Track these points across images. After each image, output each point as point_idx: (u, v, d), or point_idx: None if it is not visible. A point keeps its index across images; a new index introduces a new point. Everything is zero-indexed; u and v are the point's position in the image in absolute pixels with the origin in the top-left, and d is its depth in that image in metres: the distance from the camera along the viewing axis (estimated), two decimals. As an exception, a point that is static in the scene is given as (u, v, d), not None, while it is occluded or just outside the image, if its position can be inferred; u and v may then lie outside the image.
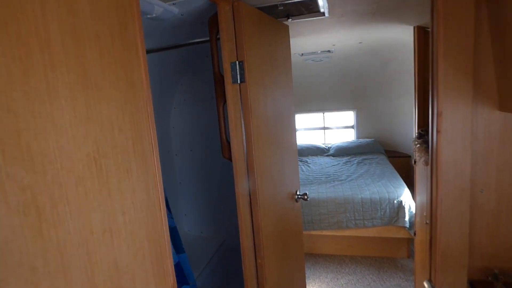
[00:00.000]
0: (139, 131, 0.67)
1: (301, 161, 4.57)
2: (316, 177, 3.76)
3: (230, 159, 1.40)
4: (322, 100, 5.16)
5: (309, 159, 4.64)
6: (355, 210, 3.07)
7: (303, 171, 4.10)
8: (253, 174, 1.38)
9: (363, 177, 3.60)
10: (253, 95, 1.36)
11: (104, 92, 0.58)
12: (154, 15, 1.34)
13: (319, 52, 3.79)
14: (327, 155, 4.83)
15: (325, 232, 3.16)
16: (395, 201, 3.01)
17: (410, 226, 2.94)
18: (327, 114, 5.30)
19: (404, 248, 3.22)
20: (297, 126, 5.41)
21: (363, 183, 3.39)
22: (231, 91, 1.32)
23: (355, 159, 4.39)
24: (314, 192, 3.25)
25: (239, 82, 1.32)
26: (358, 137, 5.15)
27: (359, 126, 5.14)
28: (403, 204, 2.98)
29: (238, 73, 1.31)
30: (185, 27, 1.78)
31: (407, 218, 2.95)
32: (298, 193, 1.92)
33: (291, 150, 1.88)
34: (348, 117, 5.23)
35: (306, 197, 1.87)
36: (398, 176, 3.57)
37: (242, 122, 1.35)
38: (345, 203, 3.08)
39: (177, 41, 1.85)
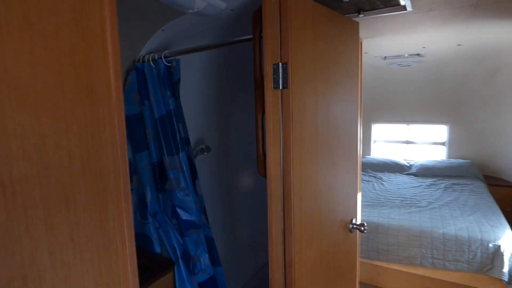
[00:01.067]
0: (95, 148, 0.53)
1: (374, 177, 4.10)
2: (389, 199, 3.31)
3: (266, 176, 1.21)
4: (408, 110, 4.57)
5: (385, 176, 4.14)
6: (434, 246, 2.58)
7: (374, 189, 3.66)
8: (290, 198, 1.16)
9: (450, 207, 3.03)
10: (297, 104, 1.15)
11: (31, 96, 0.45)
12: (196, 10, 1.23)
13: (406, 55, 3.32)
14: (407, 174, 4.26)
15: (392, 266, 2.73)
16: (490, 245, 2.43)
17: (510, 279, 2.34)
18: (412, 126, 4.68)
19: (497, 303, 2.59)
20: (374, 137, 4.92)
21: (448, 215, 2.84)
22: (270, 97, 1.13)
23: (442, 183, 3.75)
24: (383, 216, 2.84)
25: (281, 87, 1.12)
26: (450, 156, 4.43)
27: (453, 143, 4.41)
28: (502, 251, 2.39)
29: (280, 77, 1.11)
30: (240, 23, 1.64)
31: (506, 269, 2.36)
32: (354, 221, 1.63)
33: (349, 170, 1.60)
34: (439, 132, 4.53)
35: (363, 228, 1.57)
36: (499, 211, 2.91)
37: (281, 134, 1.15)
38: (421, 236, 2.61)
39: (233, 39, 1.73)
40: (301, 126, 1.18)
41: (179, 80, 1.52)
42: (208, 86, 2.29)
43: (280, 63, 1.11)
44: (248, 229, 2.79)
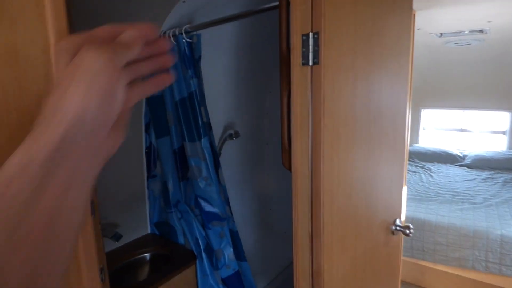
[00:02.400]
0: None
1: (422, 167, 3.71)
2: (439, 193, 2.94)
3: (290, 169, 1.01)
4: (464, 95, 4.04)
5: (434, 167, 3.73)
6: (489, 249, 2.23)
7: (422, 181, 3.29)
8: (319, 197, 0.96)
9: (509, 204, 2.61)
10: (331, 83, 0.92)
11: None
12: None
13: (466, 32, 2.87)
14: (460, 165, 3.80)
15: (439, 267, 2.43)
16: (560, 251, 2.05)
17: None
18: (468, 112, 4.15)
19: None
20: (424, 124, 4.45)
21: (507, 213, 2.45)
22: (298, 75, 0.92)
23: (500, 177, 3.28)
24: (431, 213, 2.52)
25: (310, 63, 0.90)
26: (511, 147, 3.87)
27: (515, 132, 3.85)
28: None
29: (310, 50, 0.89)
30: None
31: None
32: (397, 223, 1.38)
33: (394, 163, 1.35)
34: (500, 119, 3.97)
35: (408, 231, 1.32)
36: None
37: (310, 121, 0.94)
38: (475, 237, 2.27)
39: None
40: (335, 111, 0.96)
41: (200, 57, 1.35)
42: (237, 64, 2.10)
43: (310, 33, 0.89)
44: (280, 219, 2.62)
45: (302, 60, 0.91)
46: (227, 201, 1.57)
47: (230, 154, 2.18)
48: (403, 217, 1.78)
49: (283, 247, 2.49)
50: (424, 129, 4.48)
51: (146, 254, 1.65)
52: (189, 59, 1.32)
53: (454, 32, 2.88)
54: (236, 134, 1.98)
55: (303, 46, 0.90)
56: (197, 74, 1.37)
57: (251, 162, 2.41)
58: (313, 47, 0.89)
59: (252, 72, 2.24)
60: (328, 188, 0.97)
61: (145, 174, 1.71)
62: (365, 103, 1.09)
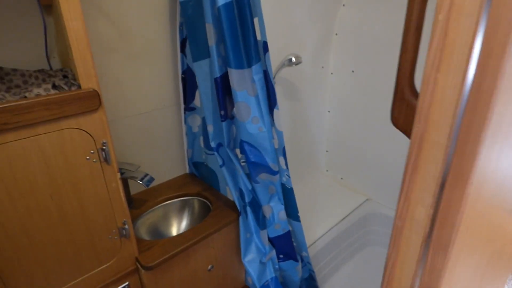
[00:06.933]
0: None
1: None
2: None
3: (406, 131, 0.54)
4: None
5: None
6: None
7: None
8: (463, 179, 0.49)
9: None
10: None
11: None
12: None
13: None
14: None
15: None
16: None
17: None
18: None
19: None
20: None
21: None
22: None
23: None
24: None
25: None
26: None
27: None
28: None
29: None
30: None
31: None
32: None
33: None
34: None
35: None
36: None
37: (480, 37, 0.42)
38: None
39: None
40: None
41: None
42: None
43: None
44: (336, 163, 2.20)
45: None
46: (282, 151, 1.15)
47: (285, 85, 1.70)
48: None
49: (340, 195, 2.12)
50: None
51: (183, 199, 1.37)
52: None
53: None
54: (298, 59, 1.47)
55: None
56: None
57: (310, 94, 1.92)
58: None
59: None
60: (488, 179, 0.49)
61: (182, 106, 1.33)
62: None
